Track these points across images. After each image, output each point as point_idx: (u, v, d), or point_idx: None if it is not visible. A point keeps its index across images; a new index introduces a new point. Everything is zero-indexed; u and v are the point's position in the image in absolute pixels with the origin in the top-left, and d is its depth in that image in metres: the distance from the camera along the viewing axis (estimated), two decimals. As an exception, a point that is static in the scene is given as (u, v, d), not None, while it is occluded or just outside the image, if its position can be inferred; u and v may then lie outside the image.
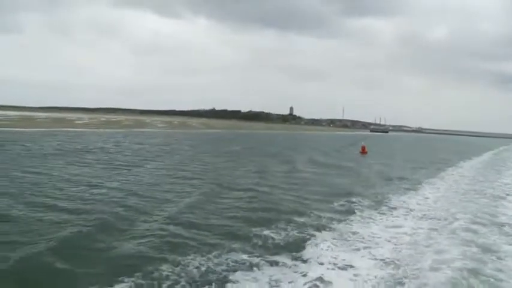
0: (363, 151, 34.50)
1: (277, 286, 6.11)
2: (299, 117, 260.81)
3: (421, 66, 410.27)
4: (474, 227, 10.06)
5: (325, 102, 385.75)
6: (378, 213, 11.54)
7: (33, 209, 9.70)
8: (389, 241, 8.71)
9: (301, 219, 9.94)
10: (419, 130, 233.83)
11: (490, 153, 47.86)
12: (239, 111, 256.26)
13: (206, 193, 12.93)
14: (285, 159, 26.55)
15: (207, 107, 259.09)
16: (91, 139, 34.87)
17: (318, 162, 25.92)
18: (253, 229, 8.79)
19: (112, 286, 5.64)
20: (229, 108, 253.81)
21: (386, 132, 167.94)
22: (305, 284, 6.19)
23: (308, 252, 7.63)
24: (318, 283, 6.19)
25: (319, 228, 9.34)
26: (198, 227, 8.95)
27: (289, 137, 68.73)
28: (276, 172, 19.56)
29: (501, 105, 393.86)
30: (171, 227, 8.74)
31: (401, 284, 6.29)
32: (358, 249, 8.03)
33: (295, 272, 6.66)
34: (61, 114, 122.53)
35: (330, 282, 6.27)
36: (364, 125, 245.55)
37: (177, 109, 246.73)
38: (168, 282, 5.84)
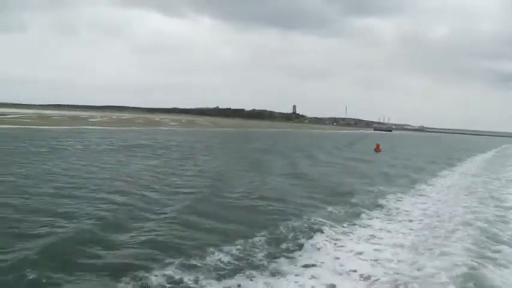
0: (377, 148, 37.27)
1: (355, 232, 9.14)
2: (302, 116, 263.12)
3: (423, 65, 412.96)
4: (483, 202, 13.11)
5: (327, 101, 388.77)
6: (408, 196, 14.54)
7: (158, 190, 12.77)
8: (419, 213, 11.68)
9: (354, 198, 12.95)
10: (421, 129, 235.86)
11: (493, 151, 50.94)
12: (243, 110, 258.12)
13: (279, 178, 16.53)
14: (310, 154, 29.58)
15: (210, 105, 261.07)
16: (124, 137, 37.80)
17: (341, 157, 28.91)
18: (323, 204, 11.86)
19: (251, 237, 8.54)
20: (232, 106, 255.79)
21: (390, 131, 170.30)
22: (363, 235, 9.12)
23: (363, 220, 10.54)
24: (373, 237, 9.09)
25: (371, 203, 12.48)
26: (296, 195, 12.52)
27: (301, 135, 71.99)
28: (309, 164, 22.62)
29: (502, 104, 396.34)
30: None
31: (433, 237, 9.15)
32: (397, 218, 10.97)
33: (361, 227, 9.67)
34: (72, 112, 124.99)
35: (381, 238, 9.18)
36: (367, 124, 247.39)
37: (180, 107, 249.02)
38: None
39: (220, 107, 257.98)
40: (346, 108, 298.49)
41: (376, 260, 7.50)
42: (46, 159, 18.30)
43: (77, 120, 75.03)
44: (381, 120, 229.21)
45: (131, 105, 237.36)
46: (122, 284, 5.80)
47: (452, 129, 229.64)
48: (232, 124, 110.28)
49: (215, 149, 30.29)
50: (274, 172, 18.37)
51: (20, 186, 11.93)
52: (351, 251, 8.06)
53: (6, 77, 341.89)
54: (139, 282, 5.86)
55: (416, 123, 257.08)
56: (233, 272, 6.47)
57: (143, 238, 7.85)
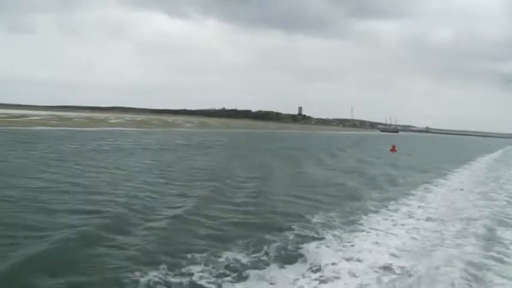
0: (393, 149, 40.22)
1: (399, 210, 12.32)
2: (308, 117, 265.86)
3: (427, 67, 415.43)
4: (494, 190, 16.50)
5: (332, 102, 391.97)
6: (431, 185, 17.72)
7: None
8: (442, 197, 14.95)
9: (392, 189, 16.22)
10: (426, 130, 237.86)
11: (500, 151, 54.47)
12: (249, 111, 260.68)
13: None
14: (338, 151, 33.02)
15: (215, 106, 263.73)
16: (160, 137, 41.19)
17: (362, 157, 32.13)
18: (372, 191, 15.08)
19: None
20: (237, 107, 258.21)
21: (397, 132, 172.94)
22: (405, 211, 12.19)
23: (403, 200, 13.72)
24: (411, 212, 12.15)
25: (406, 191, 15.74)
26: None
27: (317, 136, 75.94)
28: (344, 160, 26.00)
29: (507, 106, 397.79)
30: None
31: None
32: (426, 200, 14.23)
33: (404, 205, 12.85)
34: (85, 114, 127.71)
35: (416, 213, 12.28)
36: (372, 125, 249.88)
37: (187, 109, 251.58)
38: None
39: (226, 108, 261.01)
40: (352, 109, 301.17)
41: (415, 226, 10.64)
42: (120, 156, 21.57)
43: (97, 121, 77.79)
44: (387, 122, 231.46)
45: (136, 106, 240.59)
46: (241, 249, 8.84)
47: (457, 131, 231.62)
48: (243, 125, 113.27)
49: (251, 148, 33.70)
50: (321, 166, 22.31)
51: (130, 175, 15.36)
52: (395, 221, 11.18)
53: (10, 77, 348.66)
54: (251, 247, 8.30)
55: (421, 125, 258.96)
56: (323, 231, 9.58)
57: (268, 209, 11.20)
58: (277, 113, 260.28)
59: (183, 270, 6.33)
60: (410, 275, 6.76)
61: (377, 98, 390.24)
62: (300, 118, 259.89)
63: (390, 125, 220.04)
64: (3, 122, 50.75)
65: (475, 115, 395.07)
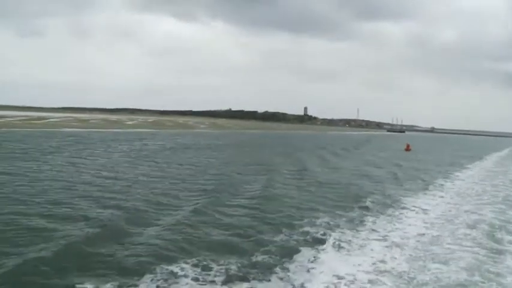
0: (407, 148, 42.43)
1: (427, 192, 15.06)
2: (315, 118, 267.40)
3: (433, 67, 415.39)
4: (503, 181, 19.28)
5: (337, 102, 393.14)
6: (446, 177, 20.55)
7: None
8: (457, 188, 17.67)
9: (419, 179, 19.03)
10: (431, 130, 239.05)
11: (507, 150, 57.25)
12: (256, 112, 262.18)
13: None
14: (363, 149, 35.86)
15: (219, 107, 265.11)
16: (190, 138, 44.08)
17: (382, 155, 34.86)
18: (400, 182, 17.78)
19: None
20: (243, 108, 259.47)
21: (403, 132, 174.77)
22: (429, 196, 14.93)
23: (425, 191, 16.46)
24: (434, 196, 14.84)
25: (429, 180, 18.56)
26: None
27: (330, 136, 79.38)
28: (370, 155, 28.79)
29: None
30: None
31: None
32: (444, 188, 17.08)
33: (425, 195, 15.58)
34: (101, 115, 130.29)
35: (438, 195, 15.02)
36: (378, 125, 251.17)
37: (193, 109, 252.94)
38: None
39: (232, 109, 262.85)
40: (358, 110, 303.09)
41: (440, 203, 13.57)
42: (170, 154, 24.53)
43: (114, 123, 79.57)
44: (394, 122, 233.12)
45: (143, 108, 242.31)
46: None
47: (463, 130, 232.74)
48: (254, 126, 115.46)
49: (285, 147, 37.17)
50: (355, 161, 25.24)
51: (203, 167, 18.50)
52: (427, 202, 13.94)
53: (18, 80, 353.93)
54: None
55: (426, 124, 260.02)
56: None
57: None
58: (284, 114, 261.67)
59: (279, 236, 8.80)
60: (439, 236, 9.45)
61: (382, 98, 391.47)
62: (306, 118, 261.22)
63: (394, 125, 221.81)
64: (27, 124, 53.01)
65: (480, 115, 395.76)
